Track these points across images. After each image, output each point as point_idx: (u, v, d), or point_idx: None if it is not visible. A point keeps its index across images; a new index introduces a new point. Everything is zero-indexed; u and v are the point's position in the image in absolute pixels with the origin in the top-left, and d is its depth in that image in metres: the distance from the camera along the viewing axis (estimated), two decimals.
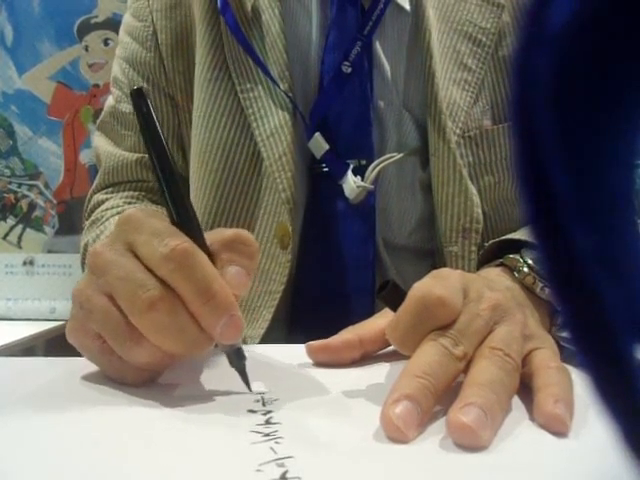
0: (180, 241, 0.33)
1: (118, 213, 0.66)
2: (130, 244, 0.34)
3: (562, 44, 0.12)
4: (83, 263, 0.70)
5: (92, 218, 0.68)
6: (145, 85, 0.67)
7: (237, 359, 0.35)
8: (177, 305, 0.32)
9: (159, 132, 0.35)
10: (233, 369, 0.35)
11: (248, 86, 0.60)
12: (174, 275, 0.32)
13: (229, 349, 0.34)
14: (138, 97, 0.35)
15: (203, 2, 0.62)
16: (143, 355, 0.33)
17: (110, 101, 0.71)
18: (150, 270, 0.33)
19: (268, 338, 0.58)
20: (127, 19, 0.70)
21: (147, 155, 0.36)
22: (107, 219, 0.66)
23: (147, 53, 0.66)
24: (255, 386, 0.35)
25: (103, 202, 0.69)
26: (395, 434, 0.28)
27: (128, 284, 0.33)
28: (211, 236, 0.36)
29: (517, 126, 0.13)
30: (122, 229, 0.35)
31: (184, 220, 0.35)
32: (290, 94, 0.59)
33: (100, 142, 0.72)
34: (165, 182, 0.35)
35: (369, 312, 0.46)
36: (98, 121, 0.73)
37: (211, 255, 0.34)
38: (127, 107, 0.68)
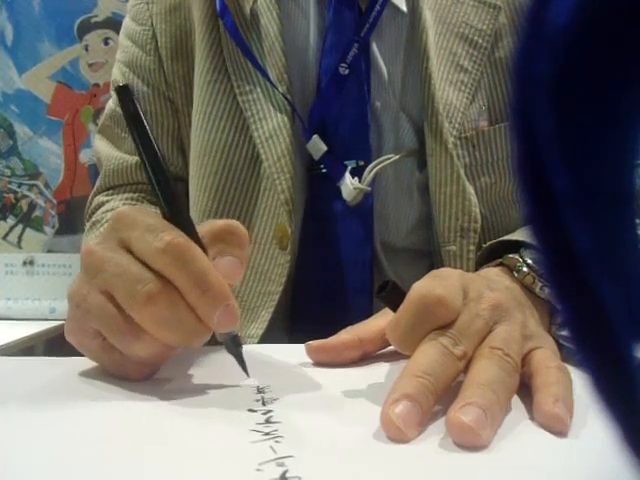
0: (174, 235, 0.33)
1: None
2: (123, 240, 0.35)
3: (562, 44, 0.12)
4: None
5: (92, 220, 0.69)
6: (145, 88, 0.67)
7: (234, 346, 0.36)
8: (175, 297, 0.33)
9: (147, 128, 0.35)
10: (232, 367, 0.35)
11: (247, 88, 0.60)
12: (171, 268, 0.33)
13: (226, 337, 0.35)
14: (124, 94, 0.36)
15: (202, 5, 0.62)
16: (143, 348, 0.34)
17: (110, 104, 0.72)
18: (145, 265, 0.33)
19: (267, 338, 0.58)
20: (127, 23, 0.70)
21: None
22: (107, 221, 0.66)
23: (147, 57, 0.67)
24: (255, 384, 0.35)
25: (103, 204, 0.69)
26: (395, 434, 0.28)
27: (125, 279, 0.33)
28: (202, 229, 0.36)
29: (517, 126, 0.13)
30: (114, 227, 0.36)
31: (176, 215, 0.35)
32: (288, 96, 0.59)
33: (100, 145, 0.72)
34: (155, 178, 0.36)
35: (368, 312, 0.46)
36: (99, 124, 0.74)
37: (204, 247, 0.35)
38: None
